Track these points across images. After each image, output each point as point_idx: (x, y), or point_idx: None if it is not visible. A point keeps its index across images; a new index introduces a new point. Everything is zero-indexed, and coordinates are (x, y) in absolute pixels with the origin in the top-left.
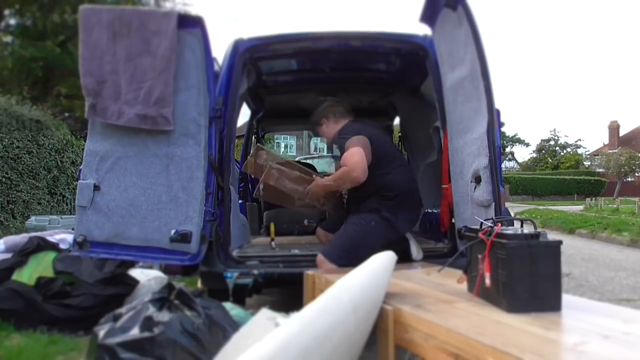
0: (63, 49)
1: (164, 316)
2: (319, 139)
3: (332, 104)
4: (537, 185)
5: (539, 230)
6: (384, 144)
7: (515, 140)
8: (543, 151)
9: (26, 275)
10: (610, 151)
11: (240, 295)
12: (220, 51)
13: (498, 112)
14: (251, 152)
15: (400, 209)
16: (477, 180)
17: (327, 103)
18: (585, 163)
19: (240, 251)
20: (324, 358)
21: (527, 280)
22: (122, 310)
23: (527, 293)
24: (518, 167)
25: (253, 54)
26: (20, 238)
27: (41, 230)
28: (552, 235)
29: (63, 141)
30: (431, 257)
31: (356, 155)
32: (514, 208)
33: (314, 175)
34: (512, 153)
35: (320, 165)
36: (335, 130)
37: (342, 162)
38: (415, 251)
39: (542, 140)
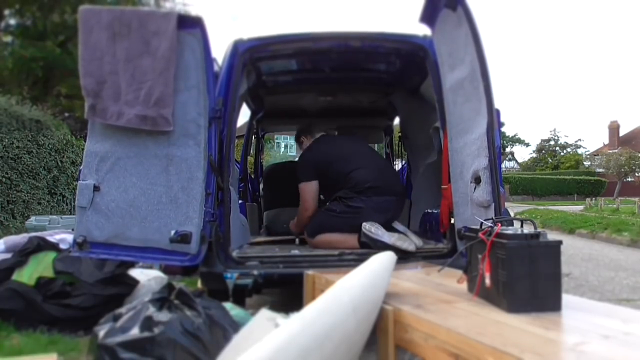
0: (63, 49)
1: (164, 316)
2: None
3: (307, 123)
4: (537, 185)
5: (539, 230)
6: (343, 152)
7: (515, 140)
8: (543, 151)
9: (26, 275)
10: (610, 151)
11: (240, 296)
12: (220, 50)
13: (498, 112)
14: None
15: (366, 197)
16: (477, 180)
17: (303, 124)
18: (585, 163)
19: (240, 252)
20: (324, 358)
21: (527, 280)
22: (122, 310)
23: (527, 293)
24: (518, 167)
25: (253, 55)
26: (20, 238)
27: (41, 230)
28: (552, 235)
29: (63, 141)
30: (431, 257)
31: (305, 194)
32: (514, 208)
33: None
34: (512, 153)
35: None
36: (306, 146)
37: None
38: (407, 244)
39: (542, 140)
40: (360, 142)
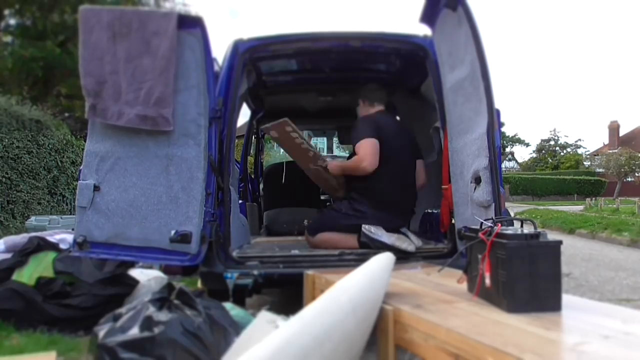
0: (63, 49)
1: (164, 316)
2: (319, 139)
3: (372, 88)
4: (537, 185)
5: (539, 230)
6: (392, 147)
7: (515, 140)
8: (543, 151)
9: (26, 275)
10: (610, 151)
11: (240, 296)
12: (220, 48)
13: (498, 112)
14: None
15: (374, 208)
16: (477, 181)
17: (369, 86)
18: (585, 163)
19: (240, 251)
20: (323, 358)
21: (527, 280)
22: (122, 310)
23: (527, 293)
24: (518, 167)
25: (253, 55)
26: (20, 238)
27: (41, 230)
28: (552, 235)
29: (63, 141)
30: (431, 257)
31: (367, 148)
32: (514, 208)
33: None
34: (512, 153)
35: None
36: (365, 114)
37: (356, 151)
38: (407, 244)
39: (542, 140)
40: (409, 147)
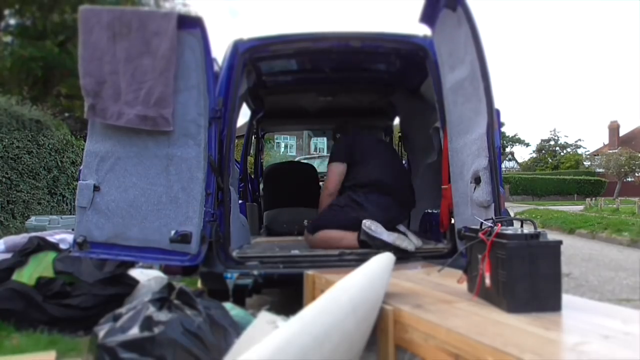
0: (63, 49)
1: (164, 316)
2: (319, 139)
3: (346, 122)
4: (537, 185)
5: (539, 230)
6: (363, 146)
7: (515, 140)
8: (543, 151)
9: (26, 275)
10: (610, 151)
11: (240, 296)
12: (220, 48)
13: (498, 112)
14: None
15: (369, 194)
16: (477, 181)
17: (343, 120)
18: (585, 163)
19: (240, 252)
20: (323, 358)
21: (527, 280)
22: (122, 310)
23: (527, 293)
24: (518, 167)
25: (253, 55)
26: (20, 238)
27: (41, 230)
28: (552, 235)
29: (63, 141)
30: (431, 257)
31: (330, 174)
32: (514, 208)
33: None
34: (512, 153)
35: (322, 166)
36: None
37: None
38: (406, 243)
39: (542, 140)
40: (387, 147)
